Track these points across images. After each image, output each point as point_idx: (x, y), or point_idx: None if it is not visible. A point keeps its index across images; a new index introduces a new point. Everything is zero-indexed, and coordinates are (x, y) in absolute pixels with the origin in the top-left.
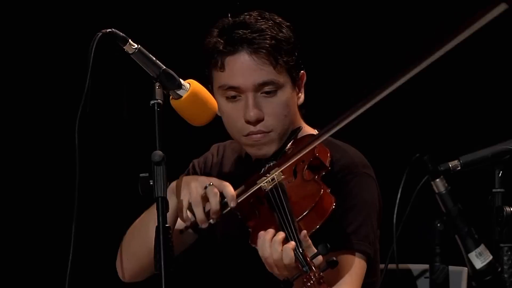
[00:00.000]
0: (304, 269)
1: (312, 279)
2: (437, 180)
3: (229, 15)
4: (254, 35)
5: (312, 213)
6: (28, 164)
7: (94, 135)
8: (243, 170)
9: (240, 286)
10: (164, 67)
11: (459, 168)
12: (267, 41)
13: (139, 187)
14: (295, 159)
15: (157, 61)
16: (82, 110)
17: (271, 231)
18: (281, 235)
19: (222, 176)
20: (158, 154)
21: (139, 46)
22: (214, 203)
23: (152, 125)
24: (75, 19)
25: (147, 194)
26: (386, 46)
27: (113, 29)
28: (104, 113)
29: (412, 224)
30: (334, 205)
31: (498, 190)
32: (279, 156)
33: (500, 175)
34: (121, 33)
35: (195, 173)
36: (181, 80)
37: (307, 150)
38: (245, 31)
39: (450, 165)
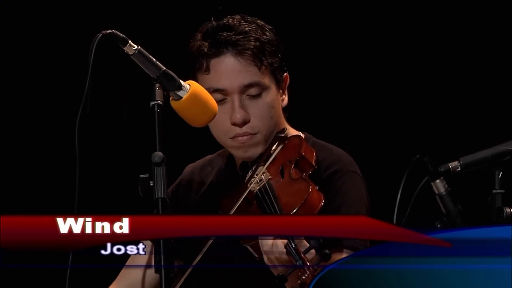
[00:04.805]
0: (297, 263)
1: (306, 272)
2: (437, 181)
3: (212, 18)
4: (238, 37)
5: (301, 210)
6: (29, 165)
7: (94, 136)
8: (228, 180)
9: (237, 276)
10: (164, 68)
11: (459, 169)
12: (252, 43)
13: (139, 188)
14: (279, 157)
15: (157, 62)
16: (82, 111)
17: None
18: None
19: (208, 193)
20: (158, 155)
21: (139, 47)
22: None
23: (152, 126)
24: (76, 20)
25: (147, 195)
26: (368, 49)
27: (113, 30)
28: (104, 114)
29: (412, 225)
30: (323, 202)
31: (498, 191)
32: (266, 158)
33: (500, 176)
34: (121, 34)
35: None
36: (181, 81)
37: (293, 149)
38: (229, 33)
39: (450, 166)
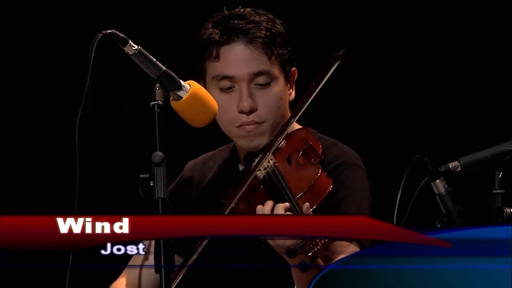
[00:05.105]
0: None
1: (318, 245)
2: (437, 181)
3: (224, 8)
4: (249, 25)
5: (309, 193)
6: (29, 165)
7: (94, 136)
8: (231, 173)
9: (236, 275)
10: (165, 68)
11: (459, 169)
12: (263, 32)
13: (139, 188)
14: (286, 147)
15: (158, 62)
16: (82, 111)
17: (269, 202)
18: (283, 204)
19: (210, 186)
20: (158, 155)
21: (139, 47)
22: None
23: (152, 126)
24: (76, 20)
25: (148, 195)
26: (368, 50)
27: (113, 30)
28: (104, 114)
29: (412, 225)
30: (331, 187)
31: (498, 191)
32: (271, 148)
33: (500, 176)
34: (121, 34)
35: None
36: (181, 81)
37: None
38: (240, 21)
39: (450, 166)
